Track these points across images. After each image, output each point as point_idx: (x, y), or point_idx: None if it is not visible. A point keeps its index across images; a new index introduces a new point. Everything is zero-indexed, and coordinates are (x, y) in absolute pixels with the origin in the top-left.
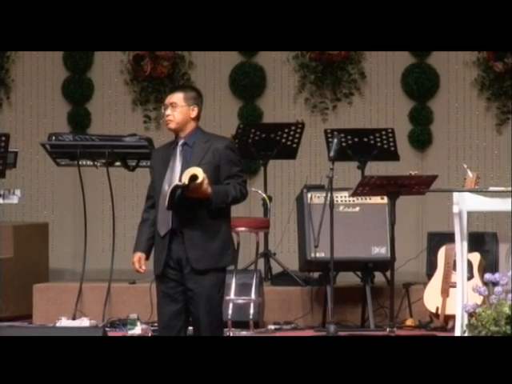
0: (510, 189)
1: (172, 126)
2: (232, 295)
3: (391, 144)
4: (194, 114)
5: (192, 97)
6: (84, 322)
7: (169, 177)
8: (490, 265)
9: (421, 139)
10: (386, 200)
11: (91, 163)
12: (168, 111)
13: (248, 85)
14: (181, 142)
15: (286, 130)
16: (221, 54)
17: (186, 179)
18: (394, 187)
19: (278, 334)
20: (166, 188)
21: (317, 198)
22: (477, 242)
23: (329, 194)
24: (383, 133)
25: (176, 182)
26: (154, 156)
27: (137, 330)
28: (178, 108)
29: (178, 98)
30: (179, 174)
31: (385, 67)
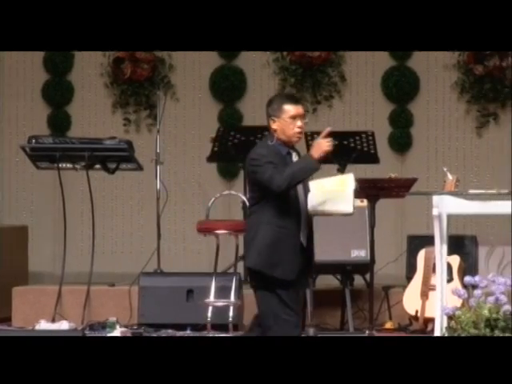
0: (489, 191)
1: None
2: (211, 298)
3: (371, 147)
4: None
5: None
6: (63, 325)
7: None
8: (469, 267)
9: (401, 142)
10: (365, 203)
11: (71, 166)
12: (299, 123)
13: (228, 88)
14: (288, 151)
15: (266, 133)
16: (200, 56)
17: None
18: (373, 190)
19: None
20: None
21: None
22: (456, 244)
23: None
24: (363, 135)
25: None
26: (271, 153)
27: (116, 333)
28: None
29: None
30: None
31: (365, 70)
